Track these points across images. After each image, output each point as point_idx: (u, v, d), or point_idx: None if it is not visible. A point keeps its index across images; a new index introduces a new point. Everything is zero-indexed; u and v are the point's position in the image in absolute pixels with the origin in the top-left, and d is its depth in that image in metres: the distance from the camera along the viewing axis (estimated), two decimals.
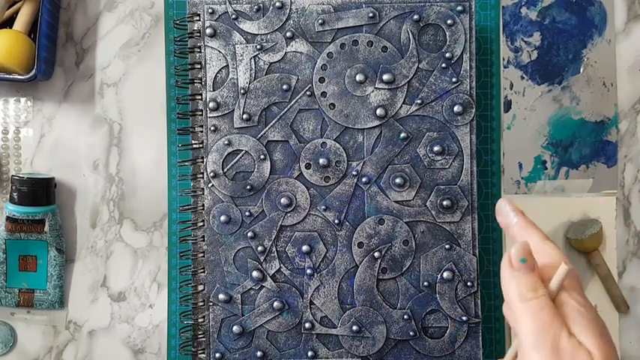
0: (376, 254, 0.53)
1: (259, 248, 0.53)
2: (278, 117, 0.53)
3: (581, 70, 0.59)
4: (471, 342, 0.53)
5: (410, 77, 0.53)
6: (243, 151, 0.53)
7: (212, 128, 0.53)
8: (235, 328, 0.53)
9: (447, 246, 0.53)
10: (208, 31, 0.53)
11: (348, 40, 0.53)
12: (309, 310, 0.53)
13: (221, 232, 0.53)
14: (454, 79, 0.53)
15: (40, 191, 0.55)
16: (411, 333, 0.53)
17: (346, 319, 0.53)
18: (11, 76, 0.54)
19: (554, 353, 0.32)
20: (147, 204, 0.58)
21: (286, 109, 0.53)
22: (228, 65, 0.53)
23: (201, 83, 0.54)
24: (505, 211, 0.40)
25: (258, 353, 0.53)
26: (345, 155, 0.53)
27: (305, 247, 0.53)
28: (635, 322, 0.59)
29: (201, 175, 0.54)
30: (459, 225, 0.53)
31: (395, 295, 0.53)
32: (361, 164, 0.53)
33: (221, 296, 0.53)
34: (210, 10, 0.53)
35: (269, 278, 0.53)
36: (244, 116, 0.53)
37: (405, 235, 0.53)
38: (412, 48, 0.53)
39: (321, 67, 0.53)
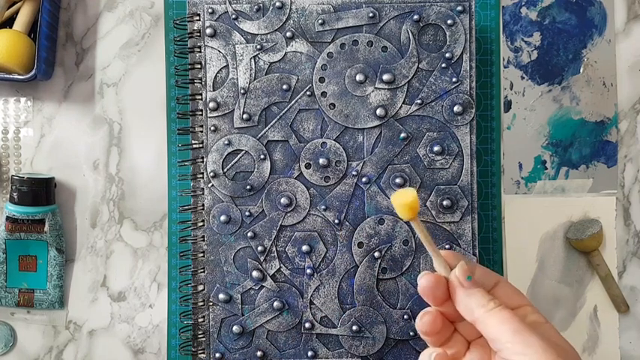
0: (376, 254, 0.53)
1: (259, 248, 0.53)
2: (278, 117, 0.53)
3: (581, 70, 0.59)
4: None
5: (410, 77, 0.53)
6: (243, 151, 0.53)
7: (212, 128, 0.53)
8: (235, 328, 0.53)
9: (447, 246, 0.53)
10: (208, 31, 0.53)
11: (348, 40, 0.53)
12: (309, 310, 0.53)
13: (221, 232, 0.53)
14: (454, 79, 0.53)
15: (40, 191, 0.55)
16: (411, 333, 0.53)
17: (346, 319, 0.53)
18: (11, 76, 0.54)
19: (542, 340, 0.33)
20: (147, 204, 0.58)
21: (286, 109, 0.53)
22: (228, 65, 0.53)
23: (201, 83, 0.54)
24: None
25: (258, 353, 0.53)
26: (345, 155, 0.53)
27: (305, 247, 0.53)
28: (635, 322, 0.59)
29: (201, 175, 0.54)
30: (459, 225, 0.53)
31: (395, 295, 0.53)
32: (361, 164, 0.53)
33: (221, 296, 0.53)
34: (210, 10, 0.53)
35: (269, 278, 0.53)
36: (244, 116, 0.53)
37: (405, 235, 0.53)
38: (412, 48, 0.53)
39: (321, 67, 0.53)
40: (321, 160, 0.53)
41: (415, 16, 0.53)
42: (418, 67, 0.53)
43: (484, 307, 0.35)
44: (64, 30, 0.59)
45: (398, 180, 0.53)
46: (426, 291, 0.37)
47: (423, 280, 0.37)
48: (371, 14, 0.53)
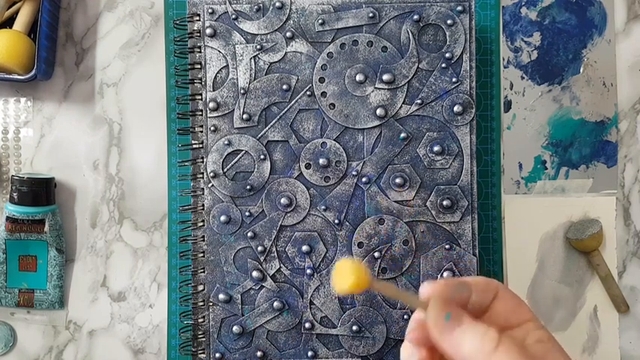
0: (376, 254, 0.53)
1: (259, 248, 0.53)
2: (278, 117, 0.53)
3: (581, 70, 0.59)
4: None
5: (410, 77, 0.53)
6: (243, 151, 0.53)
7: (212, 128, 0.53)
8: (235, 328, 0.53)
9: (447, 246, 0.53)
10: (208, 31, 0.53)
11: (348, 40, 0.53)
12: (309, 310, 0.53)
13: (221, 232, 0.53)
14: (454, 79, 0.53)
15: (40, 191, 0.55)
16: None
17: (346, 319, 0.53)
18: (11, 76, 0.54)
19: None
20: (147, 204, 0.58)
21: (286, 109, 0.53)
22: (228, 65, 0.53)
23: (201, 83, 0.54)
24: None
25: (258, 353, 0.53)
26: (345, 155, 0.53)
27: (305, 247, 0.53)
28: (635, 322, 0.59)
29: (201, 175, 0.54)
30: (459, 225, 0.53)
31: None
32: (361, 164, 0.53)
33: (221, 296, 0.53)
34: (210, 10, 0.53)
35: (269, 278, 0.53)
36: (244, 116, 0.53)
37: (405, 235, 0.53)
38: (412, 48, 0.53)
39: (321, 67, 0.53)
40: (321, 160, 0.53)
41: (415, 16, 0.53)
42: (418, 67, 0.53)
43: (481, 351, 0.30)
44: (64, 30, 0.59)
45: (398, 180, 0.53)
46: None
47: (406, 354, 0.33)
48: (371, 14, 0.53)
